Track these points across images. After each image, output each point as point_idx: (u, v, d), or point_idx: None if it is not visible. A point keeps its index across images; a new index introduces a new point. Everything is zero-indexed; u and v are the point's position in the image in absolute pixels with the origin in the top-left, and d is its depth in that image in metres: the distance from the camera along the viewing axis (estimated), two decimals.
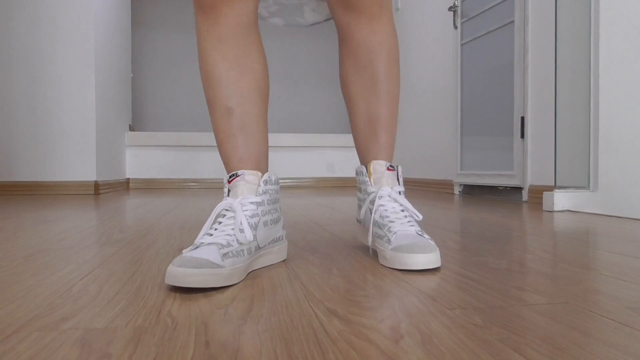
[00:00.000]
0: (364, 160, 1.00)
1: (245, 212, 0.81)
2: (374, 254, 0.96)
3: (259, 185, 0.84)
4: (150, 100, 5.17)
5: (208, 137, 4.32)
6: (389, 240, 0.84)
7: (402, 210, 0.89)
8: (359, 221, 1.02)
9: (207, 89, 0.88)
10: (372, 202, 0.93)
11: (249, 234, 0.78)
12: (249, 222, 0.80)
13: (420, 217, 0.90)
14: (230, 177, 0.84)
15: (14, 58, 3.11)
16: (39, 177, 3.13)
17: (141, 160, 4.25)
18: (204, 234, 0.78)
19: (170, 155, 4.30)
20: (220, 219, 0.80)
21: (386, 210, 0.89)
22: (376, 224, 0.90)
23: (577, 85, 2.01)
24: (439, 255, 0.82)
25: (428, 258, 0.79)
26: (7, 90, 3.10)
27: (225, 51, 0.87)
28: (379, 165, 0.94)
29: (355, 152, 1.11)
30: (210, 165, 4.34)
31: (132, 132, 4.25)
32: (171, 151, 4.30)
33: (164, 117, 5.21)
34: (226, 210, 0.81)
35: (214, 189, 4.05)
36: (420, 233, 0.85)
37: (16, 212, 1.90)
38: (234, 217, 0.79)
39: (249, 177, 0.84)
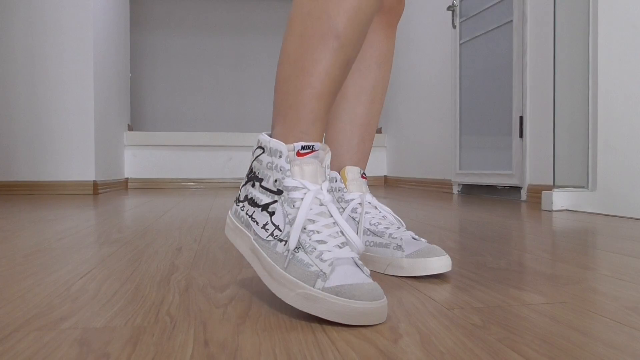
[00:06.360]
0: (336, 166, 0.92)
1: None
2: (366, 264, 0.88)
3: (326, 167, 0.65)
4: (148, 100, 5.17)
5: (207, 136, 4.32)
6: (399, 247, 0.80)
7: (384, 217, 0.86)
8: None
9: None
10: (354, 210, 0.87)
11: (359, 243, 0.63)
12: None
13: (404, 224, 0.88)
14: (303, 147, 0.62)
15: (12, 58, 3.10)
16: (38, 177, 3.12)
17: (140, 159, 4.24)
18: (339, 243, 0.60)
19: (169, 155, 4.30)
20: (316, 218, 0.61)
21: (373, 217, 0.85)
22: (368, 233, 0.85)
23: (576, 85, 2.01)
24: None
25: (445, 261, 0.77)
26: (5, 90, 3.09)
27: None
28: (354, 171, 0.89)
29: None
30: (209, 165, 4.34)
31: (131, 132, 4.24)
32: (170, 151, 4.30)
33: (163, 116, 5.21)
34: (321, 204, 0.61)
35: (212, 189, 4.04)
36: (416, 237, 0.84)
37: (15, 212, 1.90)
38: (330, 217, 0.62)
39: (322, 155, 0.64)
